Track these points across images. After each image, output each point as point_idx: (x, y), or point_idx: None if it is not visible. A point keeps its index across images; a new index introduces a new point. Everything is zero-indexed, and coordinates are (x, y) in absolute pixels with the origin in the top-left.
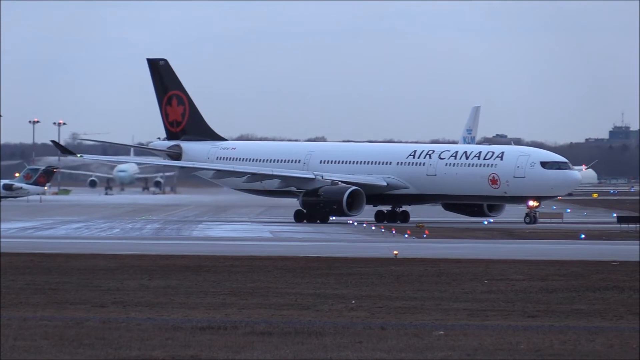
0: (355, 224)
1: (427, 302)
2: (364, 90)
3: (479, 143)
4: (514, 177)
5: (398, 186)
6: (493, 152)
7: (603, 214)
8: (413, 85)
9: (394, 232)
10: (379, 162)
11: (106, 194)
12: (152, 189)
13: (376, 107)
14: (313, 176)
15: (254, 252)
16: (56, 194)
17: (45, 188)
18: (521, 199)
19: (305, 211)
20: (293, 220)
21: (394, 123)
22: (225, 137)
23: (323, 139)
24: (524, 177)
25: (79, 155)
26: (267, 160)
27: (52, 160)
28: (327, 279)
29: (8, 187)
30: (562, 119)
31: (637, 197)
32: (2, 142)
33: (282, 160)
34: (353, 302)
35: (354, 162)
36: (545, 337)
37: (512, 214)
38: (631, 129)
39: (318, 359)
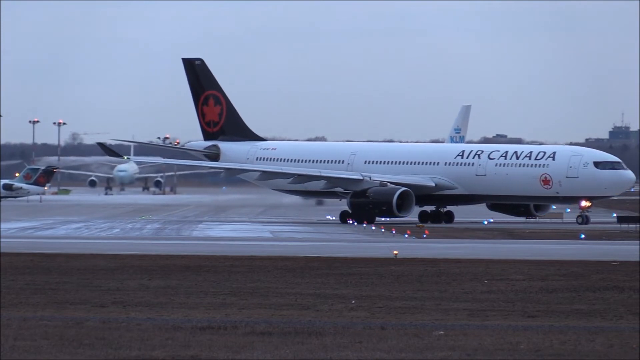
0: (355, 224)
1: (427, 302)
2: (364, 90)
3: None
4: (567, 177)
5: (446, 187)
6: (544, 152)
7: (603, 214)
8: (413, 85)
9: (394, 232)
10: (426, 163)
11: (106, 194)
12: (152, 189)
13: (376, 107)
14: (361, 177)
15: (254, 252)
16: (56, 194)
17: (45, 188)
18: (574, 200)
19: (352, 212)
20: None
21: (394, 123)
22: (265, 138)
23: (323, 139)
24: (577, 177)
25: (125, 157)
26: (309, 160)
27: (52, 160)
28: (327, 279)
29: (8, 187)
30: (562, 119)
31: (637, 197)
32: (2, 142)
33: (324, 160)
34: (353, 302)
35: (399, 162)
36: (545, 337)
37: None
38: (631, 129)
39: (318, 359)
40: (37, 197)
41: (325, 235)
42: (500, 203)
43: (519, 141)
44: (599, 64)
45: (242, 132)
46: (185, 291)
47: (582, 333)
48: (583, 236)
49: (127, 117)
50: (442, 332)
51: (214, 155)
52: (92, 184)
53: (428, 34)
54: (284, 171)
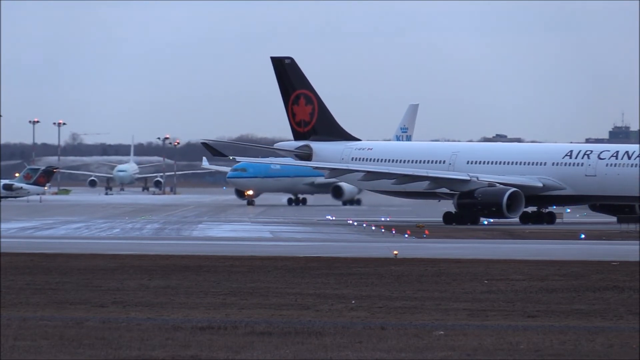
0: (355, 224)
1: (427, 302)
2: (365, 91)
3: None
4: None
5: (554, 187)
6: None
7: (603, 214)
8: (413, 85)
9: (394, 232)
10: (532, 163)
11: (106, 194)
12: (152, 189)
13: (377, 107)
14: (468, 177)
15: (254, 252)
16: (56, 194)
17: (45, 188)
18: None
19: (456, 213)
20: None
21: (395, 122)
22: (359, 138)
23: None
24: None
25: (231, 158)
26: (408, 161)
27: (52, 160)
28: (327, 279)
29: (8, 187)
30: (562, 119)
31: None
32: (2, 142)
33: (424, 161)
34: (353, 302)
35: (504, 162)
36: (545, 337)
37: None
38: (631, 129)
39: (318, 359)
40: (37, 197)
41: (325, 235)
42: (604, 204)
43: (518, 141)
44: (599, 64)
45: (335, 132)
46: (185, 291)
47: (582, 333)
48: (583, 236)
49: (127, 117)
50: (442, 332)
51: (305, 155)
52: (92, 184)
53: (426, 34)
54: (390, 172)
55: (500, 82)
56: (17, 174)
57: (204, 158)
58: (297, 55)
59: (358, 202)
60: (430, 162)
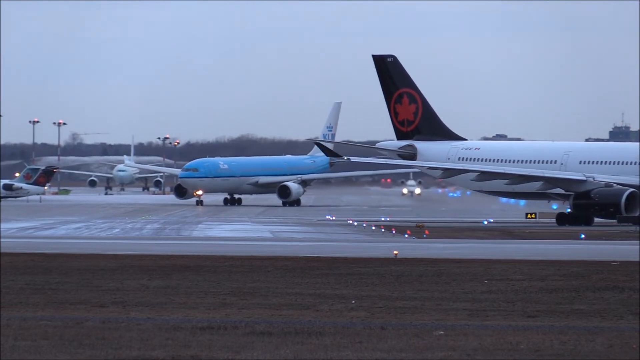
0: (355, 224)
1: (427, 302)
2: (368, 91)
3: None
4: None
5: None
6: None
7: None
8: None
9: (394, 232)
10: None
11: (106, 193)
12: (152, 189)
13: (378, 108)
14: (584, 178)
15: (254, 252)
16: (56, 194)
17: (45, 188)
18: None
19: (569, 213)
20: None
21: (383, 123)
22: (465, 137)
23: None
24: None
25: (345, 158)
26: (517, 161)
27: (52, 160)
28: (327, 279)
29: (8, 187)
30: (562, 119)
31: None
32: (2, 142)
33: (533, 160)
34: (353, 302)
35: (619, 162)
36: (545, 337)
37: (512, 214)
38: (631, 129)
39: (318, 359)
40: (37, 197)
41: (325, 235)
42: None
43: (518, 141)
44: (599, 64)
45: (440, 131)
46: (185, 291)
47: (582, 333)
48: (583, 236)
49: (127, 117)
50: (442, 332)
51: (409, 155)
52: (92, 184)
53: (426, 34)
54: (506, 172)
55: (501, 82)
56: (17, 174)
57: (125, 156)
58: (305, 52)
59: (298, 202)
60: (540, 162)
